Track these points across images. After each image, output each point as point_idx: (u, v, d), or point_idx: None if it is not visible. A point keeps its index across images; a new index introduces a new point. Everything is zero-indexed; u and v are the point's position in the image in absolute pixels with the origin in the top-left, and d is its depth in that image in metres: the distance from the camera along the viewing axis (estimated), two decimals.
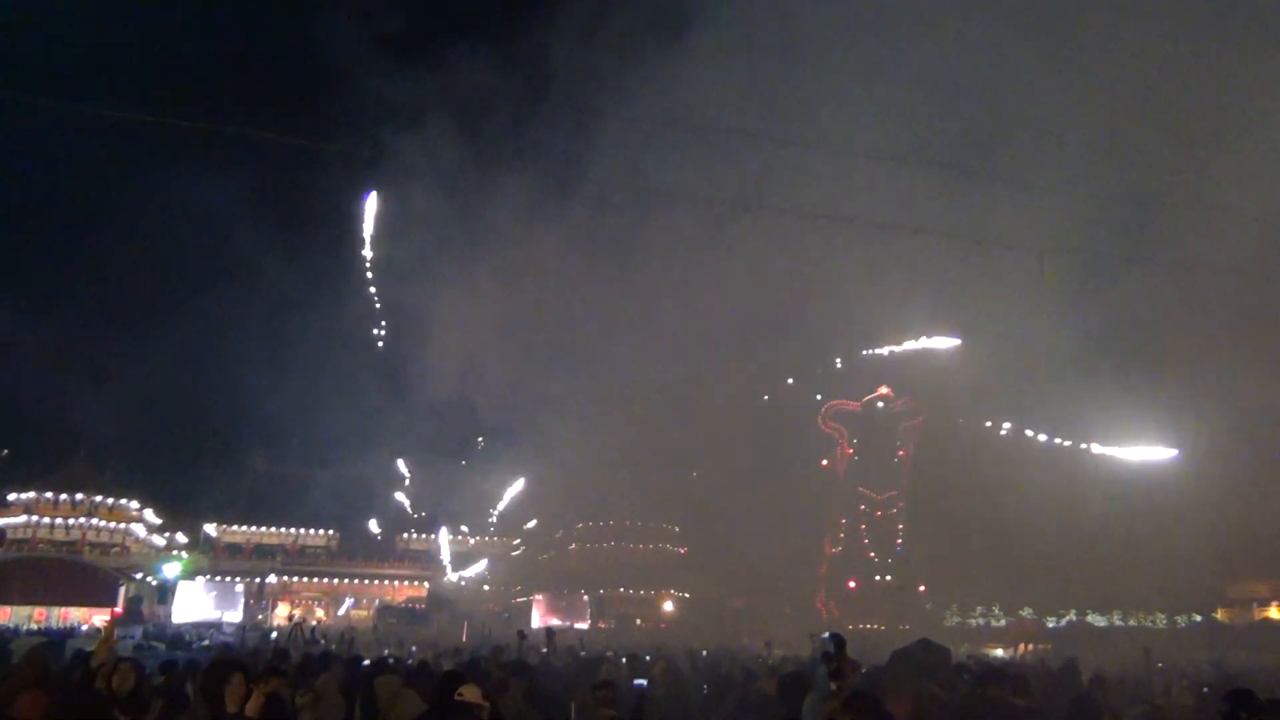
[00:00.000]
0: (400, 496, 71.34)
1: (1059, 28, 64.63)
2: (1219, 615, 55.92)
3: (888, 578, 61.89)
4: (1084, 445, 58.34)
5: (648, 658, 14.73)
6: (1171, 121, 56.77)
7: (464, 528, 70.57)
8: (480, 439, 79.14)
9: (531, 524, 72.39)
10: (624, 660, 14.63)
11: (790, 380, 67.81)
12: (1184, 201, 43.25)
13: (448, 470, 73.98)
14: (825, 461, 66.54)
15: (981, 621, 56.28)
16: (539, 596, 62.72)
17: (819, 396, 67.34)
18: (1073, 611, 55.89)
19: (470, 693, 5.64)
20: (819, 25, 75.65)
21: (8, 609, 48.33)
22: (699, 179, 60.19)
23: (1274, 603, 55.39)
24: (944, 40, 66.25)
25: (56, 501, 55.57)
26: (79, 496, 55.61)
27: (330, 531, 66.81)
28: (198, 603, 52.45)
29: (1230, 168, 50.41)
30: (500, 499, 73.64)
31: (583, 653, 17.92)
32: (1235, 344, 53.52)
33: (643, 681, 10.97)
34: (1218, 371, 53.89)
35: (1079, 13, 62.12)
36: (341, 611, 59.78)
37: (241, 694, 4.60)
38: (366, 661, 13.18)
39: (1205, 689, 12.31)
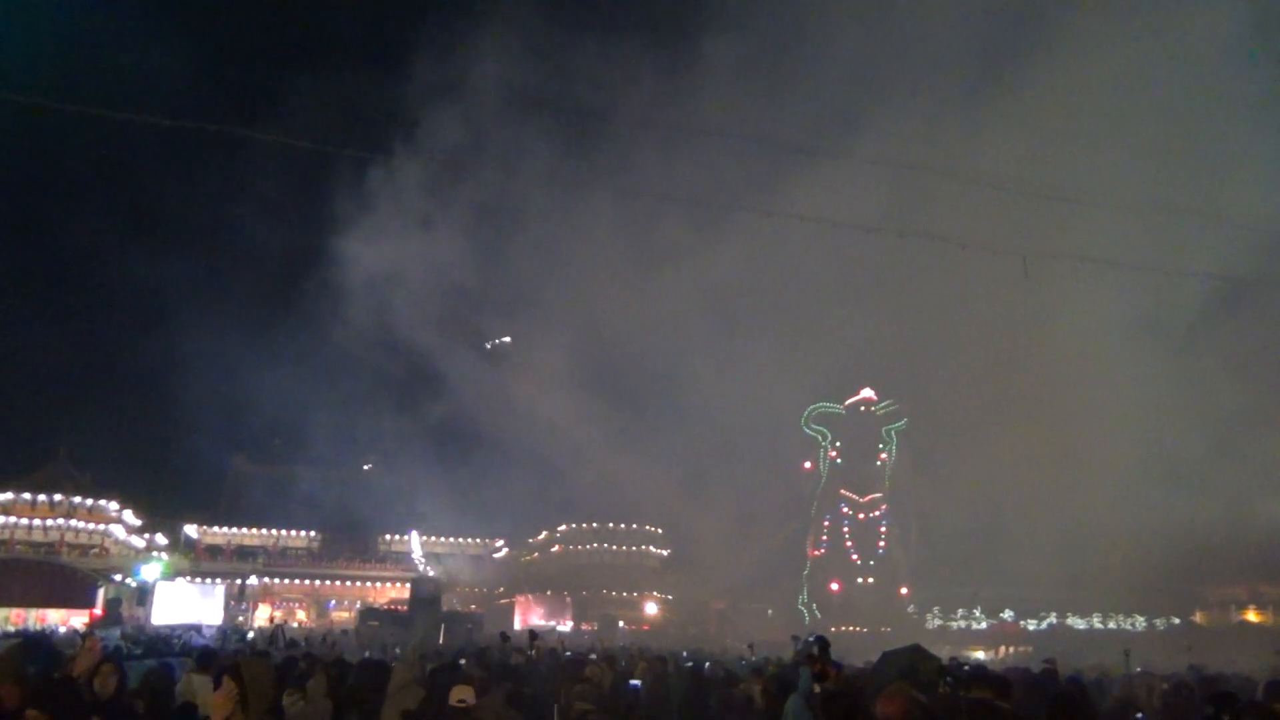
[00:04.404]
0: (385, 497, 70.96)
1: (1048, 27, 65.37)
2: (1197, 618, 56.40)
3: (870, 580, 62.13)
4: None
5: (623, 663, 14.70)
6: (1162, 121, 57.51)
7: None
8: (464, 437, 79.04)
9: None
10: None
11: (775, 383, 68.02)
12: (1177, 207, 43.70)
13: (433, 470, 73.72)
14: (809, 464, 66.71)
15: (963, 624, 56.58)
16: (522, 598, 62.60)
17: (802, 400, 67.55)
18: (1053, 614, 56.27)
19: (468, 694, 5.68)
20: (801, 27, 76.05)
21: None
22: (684, 181, 60.46)
23: (1251, 605, 55.93)
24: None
25: (34, 502, 54.91)
26: (57, 497, 54.96)
27: (312, 533, 66.43)
28: (177, 605, 51.94)
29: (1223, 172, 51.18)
30: (486, 500, 73.45)
31: (568, 654, 17.90)
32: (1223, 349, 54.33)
33: (637, 682, 11.04)
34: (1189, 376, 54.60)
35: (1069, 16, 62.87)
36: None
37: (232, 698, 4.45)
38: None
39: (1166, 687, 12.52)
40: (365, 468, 71.90)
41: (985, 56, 66.57)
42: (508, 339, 73.64)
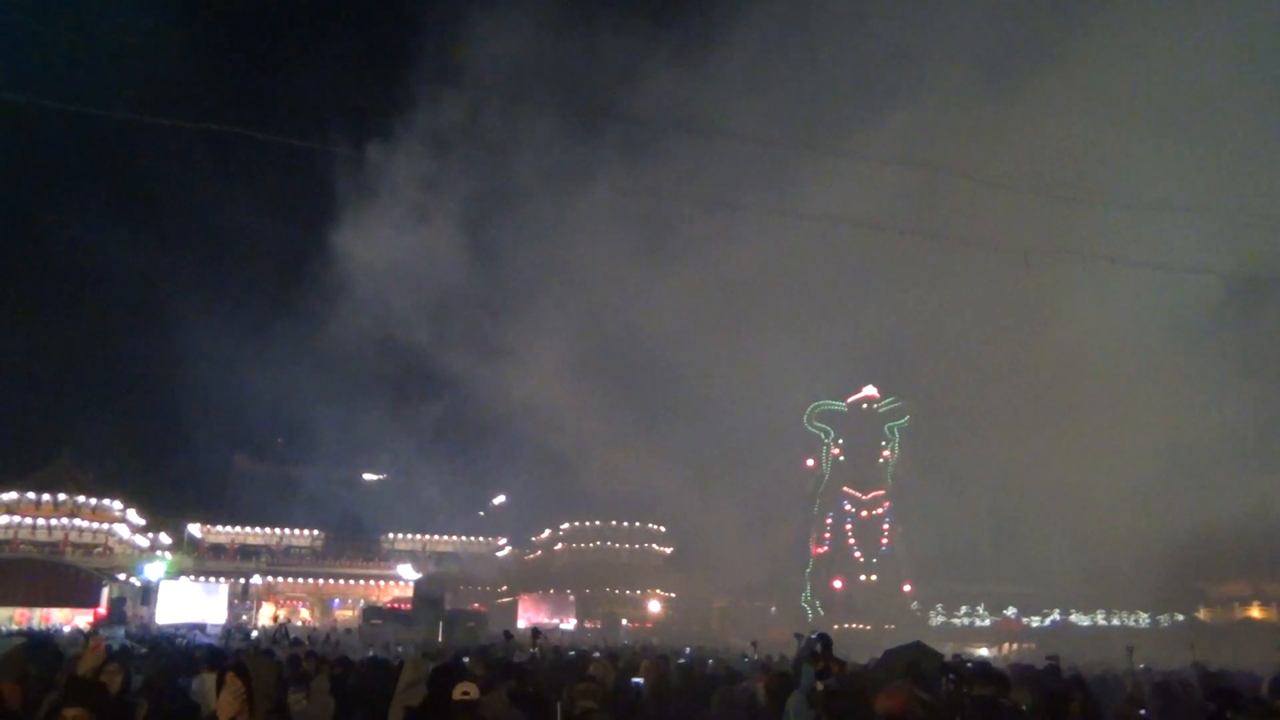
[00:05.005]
0: (387, 496, 71.06)
1: (1057, 23, 65.32)
2: (1201, 615, 56.35)
3: (873, 577, 62.08)
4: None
5: (625, 661, 14.69)
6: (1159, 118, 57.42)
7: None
8: (468, 436, 79.12)
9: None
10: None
11: (777, 380, 67.97)
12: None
13: (436, 469, 73.84)
14: (811, 462, 66.64)
15: (966, 621, 56.54)
16: (525, 596, 62.62)
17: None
18: (1056, 611, 56.23)
19: (471, 688, 5.67)
20: (806, 26, 75.97)
21: None
22: (688, 179, 60.50)
23: (1255, 602, 55.84)
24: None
25: (38, 502, 55.06)
26: (61, 497, 55.12)
27: (315, 532, 66.51)
28: (181, 604, 52.04)
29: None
30: (488, 498, 73.63)
31: (571, 652, 17.89)
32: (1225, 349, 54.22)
33: (640, 680, 11.04)
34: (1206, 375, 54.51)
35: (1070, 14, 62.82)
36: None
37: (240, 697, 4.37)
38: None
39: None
40: (379, 477, 71.72)
41: (992, 55, 66.54)
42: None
